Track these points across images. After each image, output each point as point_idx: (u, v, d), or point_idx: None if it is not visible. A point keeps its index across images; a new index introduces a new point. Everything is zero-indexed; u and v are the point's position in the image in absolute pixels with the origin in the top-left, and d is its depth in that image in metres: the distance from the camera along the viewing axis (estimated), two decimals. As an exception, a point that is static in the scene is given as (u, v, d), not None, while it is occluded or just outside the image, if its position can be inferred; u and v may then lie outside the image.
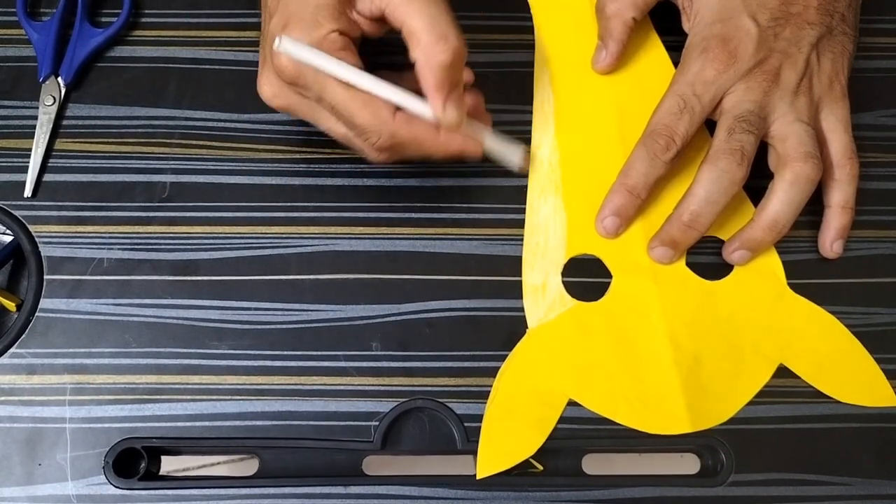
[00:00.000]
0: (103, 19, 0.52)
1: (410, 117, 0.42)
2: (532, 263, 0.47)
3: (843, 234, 0.47)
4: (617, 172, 0.47)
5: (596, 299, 0.46)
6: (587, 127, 0.49)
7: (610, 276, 0.47)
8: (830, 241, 0.47)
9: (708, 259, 0.47)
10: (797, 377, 0.46)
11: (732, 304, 0.46)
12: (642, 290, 0.46)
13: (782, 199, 0.45)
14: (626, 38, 0.49)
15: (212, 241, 0.47)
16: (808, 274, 0.47)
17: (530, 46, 0.51)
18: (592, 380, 0.45)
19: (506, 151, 0.46)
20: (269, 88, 0.43)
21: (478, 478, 0.43)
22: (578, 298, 0.46)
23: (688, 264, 0.47)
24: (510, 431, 0.44)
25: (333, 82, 0.41)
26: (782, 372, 0.46)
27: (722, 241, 0.47)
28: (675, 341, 0.45)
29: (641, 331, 0.46)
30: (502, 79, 0.51)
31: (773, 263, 0.47)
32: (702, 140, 0.47)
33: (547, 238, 0.47)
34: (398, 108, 0.42)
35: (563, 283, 0.47)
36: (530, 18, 0.52)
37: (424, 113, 0.42)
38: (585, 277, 0.47)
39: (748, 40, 0.45)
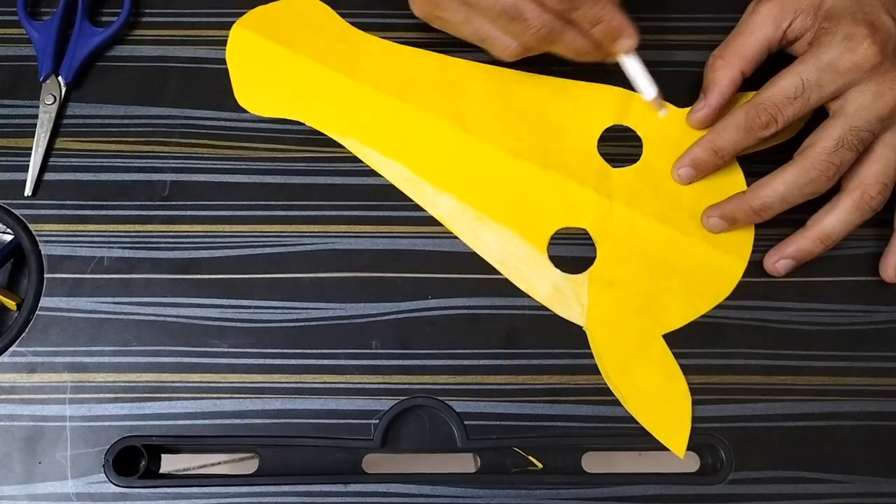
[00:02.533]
0: (103, 18, 0.52)
1: None
2: (529, 283, 0.47)
3: None
4: (496, 157, 0.48)
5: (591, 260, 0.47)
6: (441, 153, 0.48)
7: (590, 238, 0.47)
8: (894, 266, 0.46)
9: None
10: (796, 375, 0.46)
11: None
12: (624, 222, 0.47)
13: (841, 220, 0.44)
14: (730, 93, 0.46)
15: (212, 240, 0.47)
16: (808, 272, 0.47)
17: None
18: (656, 308, 0.46)
19: (644, 81, 0.46)
20: None
21: (682, 457, 0.44)
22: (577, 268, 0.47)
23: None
24: (660, 405, 0.45)
25: None
26: (782, 370, 0.46)
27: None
28: (677, 226, 0.47)
29: (650, 242, 0.47)
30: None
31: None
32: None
33: (516, 256, 0.47)
34: None
35: (557, 265, 0.47)
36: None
37: None
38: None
39: (891, 38, 0.42)
